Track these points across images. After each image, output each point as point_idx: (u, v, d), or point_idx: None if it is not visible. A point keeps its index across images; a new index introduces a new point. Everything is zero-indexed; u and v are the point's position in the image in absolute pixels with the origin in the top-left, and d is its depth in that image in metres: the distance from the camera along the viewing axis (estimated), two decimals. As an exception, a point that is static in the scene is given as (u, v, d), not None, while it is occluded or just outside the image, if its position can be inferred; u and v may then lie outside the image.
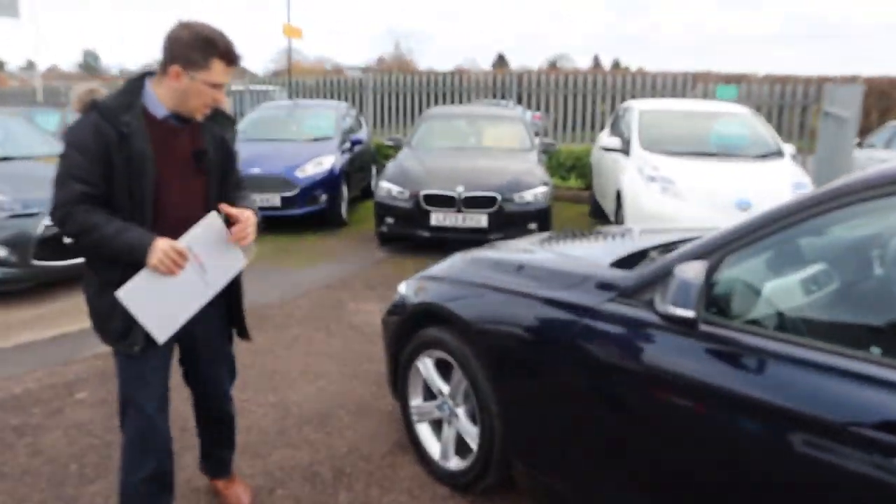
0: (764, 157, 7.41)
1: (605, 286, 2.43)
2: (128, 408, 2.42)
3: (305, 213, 8.37)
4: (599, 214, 9.27)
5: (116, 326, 2.28)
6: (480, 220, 7.27)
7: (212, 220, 2.25)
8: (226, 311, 2.60)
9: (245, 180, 2.60)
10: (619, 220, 7.41)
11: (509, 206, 7.29)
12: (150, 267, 2.14)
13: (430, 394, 3.29)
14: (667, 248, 2.80)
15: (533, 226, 7.40)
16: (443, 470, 3.12)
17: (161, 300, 2.19)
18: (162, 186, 2.23)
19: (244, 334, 2.68)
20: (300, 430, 3.56)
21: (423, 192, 7.32)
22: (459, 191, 7.25)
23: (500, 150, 8.60)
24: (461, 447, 3.09)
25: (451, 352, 2.97)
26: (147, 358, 2.35)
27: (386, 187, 7.58)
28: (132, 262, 2.15)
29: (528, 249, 3.30)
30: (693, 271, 1.96)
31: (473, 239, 7.31)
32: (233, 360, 2.74)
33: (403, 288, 3.43)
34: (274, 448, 3.37)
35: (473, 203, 7.24)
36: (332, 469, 3.20)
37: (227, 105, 2.48)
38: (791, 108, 11.77)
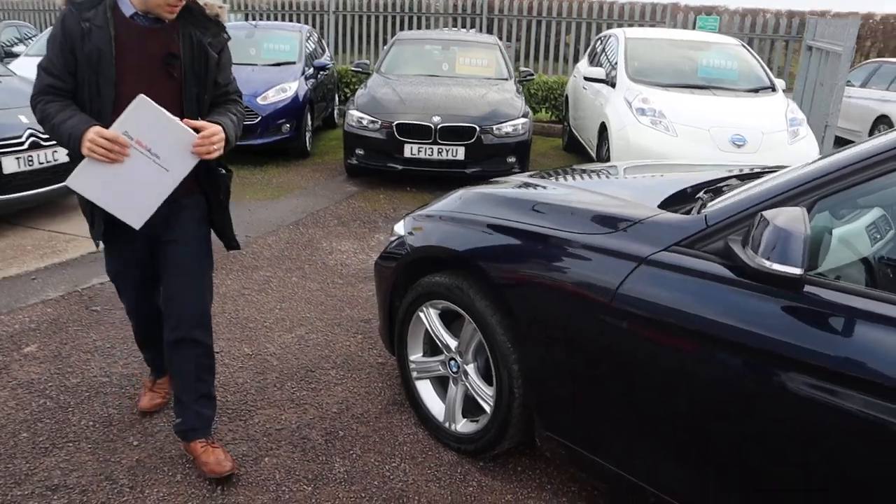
0: (756, 91, 7.09)
1: (659, 231, 2.07)
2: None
3: (267, 144, 7.79)
4: (575, 148, 8.91)
5: (88, 219, 2.37)
6: (457, 152, 6.83)
7: (139, 104, 2.11)
8: (205, 215, 2.48)
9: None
10: (601, 154, 7.06)
11: (488, 137, 6.86)
12: (85, 154, 2.11)
13: (432, 348, 2.95)
14: (713, 187, 2.46)
15: (512, 159, 7.03)
16: (448, 433, 2.80)
17: (119, 188, 2.17)
18: (125, 86, 2.18)
19: (231, 244, 2.59)
20: (282, 387, 3.19)
21: (396, 122, 6.82)
22: (436, 121, 6.77)
23: (476, 79, 8.07)
24: (470, 408, 2.77)
25: (462, 304, 2.60)
26: (121, 251, 2.47)
27: (356, 116, 7.04)
28: (76, 152, 2.15)
29: (541, 186, 2.92)
30: (793, 219, 1.61)
31: (449, 173, 6.92)
32: (211, 277, 2.55)
33: (400, 228, 3.03)
34: (255, 408, 3.00)
35: (450, 134, 6.79)
36: (323, 433, 2.85)
37: (224, 13, 2.39)
38: (768, 41, 11.44)
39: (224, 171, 2.45)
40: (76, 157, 2.17)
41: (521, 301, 2.37)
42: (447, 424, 2.81)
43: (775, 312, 1.69)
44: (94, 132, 2.09)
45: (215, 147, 2.19)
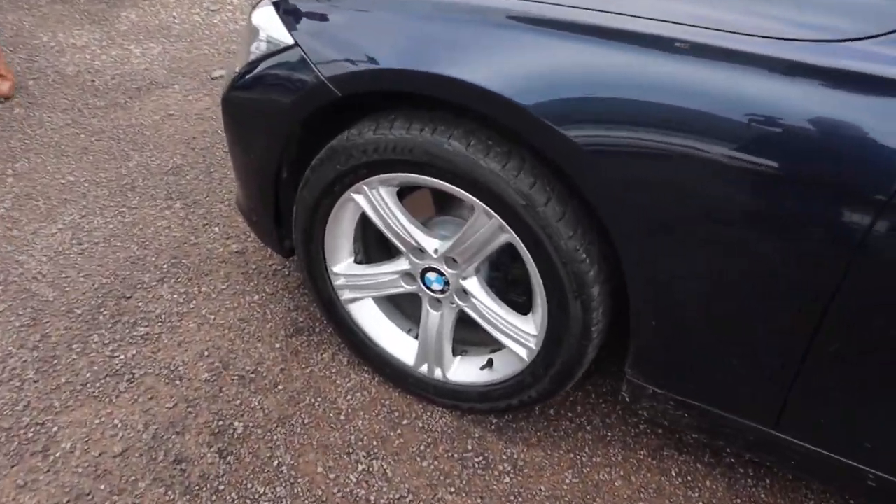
0: None
1: None
2: None
3: None
4: None
5: None
6: None
7: None
8: None
9: None
10: None
11: None
12: None
13: (378, 250, 1.66)
14: None
15: None
16: (431, 384, 1.64)
17: None
18: None
19: None
20: (71, 344, 1.72)
21: None
22: None
23: None
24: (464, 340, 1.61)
25: (470, 182, 1.29)
26: None
27: None
28: None
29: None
30: None
31: None
32: None
33: (272, 22, 1.48)
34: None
35: None
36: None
37: None
38: None
39: None
40: None
41: (641, 186, 1.13)
42: (426, 370, 1.63)
43: None
44: None
45: None
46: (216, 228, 2.13)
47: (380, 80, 1.30)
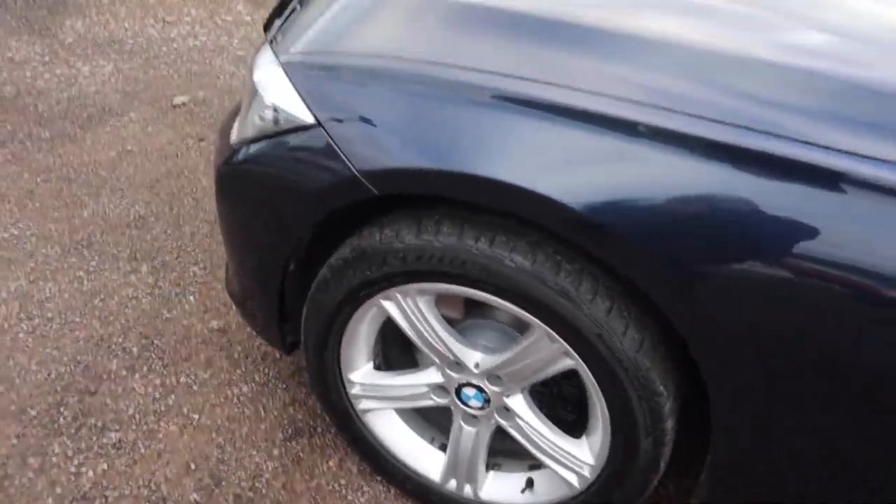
0: None
1: None
2: None
3: None
4: None
5: None
6: None
7: None
8: None
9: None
10: None
11: None
12: None
13: (402, 358, 1.44)
14: None
15: None
16: (457, 502, 1.43)
17: None
18: None
19: None
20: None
21: None
22: None
23: None
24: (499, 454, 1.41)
25: (531, 297, 1.08)
26: None
27: None
28: None
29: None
30: None
31: None
32: None
33: (284, 91, 1.23)
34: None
35: None
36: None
37: None
38: None
39: None
40: None
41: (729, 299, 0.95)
42: (454, 487, 1.42)
43: None
44: None
45: None
46: (191, 298, 1.86)
47: (435, 184, 1.08)
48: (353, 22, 1.28)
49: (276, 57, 1.27)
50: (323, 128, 1.15)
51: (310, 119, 1.17)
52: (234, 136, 1.36)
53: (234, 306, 1.79)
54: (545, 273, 1.07)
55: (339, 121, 1.15)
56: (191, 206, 2.20)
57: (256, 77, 1.31)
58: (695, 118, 0.93)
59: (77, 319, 1.77)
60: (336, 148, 1.13)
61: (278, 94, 1.24)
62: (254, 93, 1.29)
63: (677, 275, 0.96)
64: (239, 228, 1.37)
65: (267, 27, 1.58)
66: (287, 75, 1.23)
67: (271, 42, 1.36)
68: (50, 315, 1.77)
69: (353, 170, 1.12)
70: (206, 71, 3.00)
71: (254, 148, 1.27)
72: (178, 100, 2.75)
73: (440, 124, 1.07)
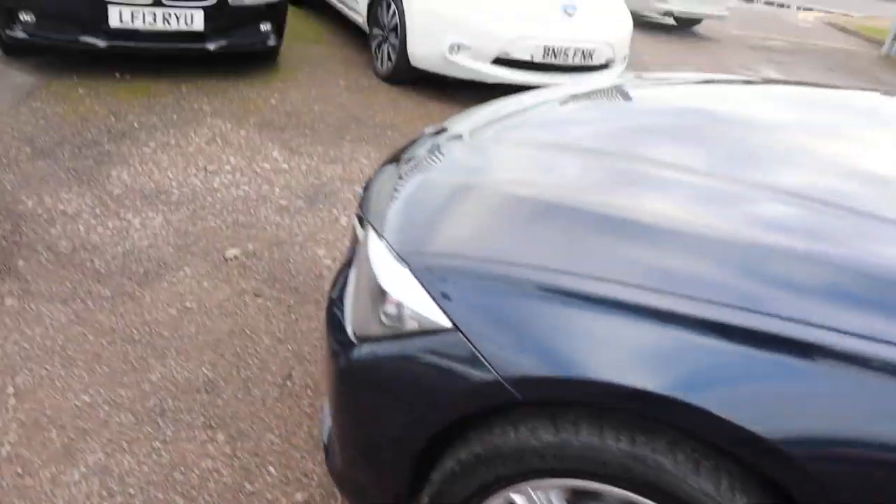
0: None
1: None
2: None
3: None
4: (317, 7, 6.88)
5: None
6: (193, 18, 4.59)
7: None
8: None
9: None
10: (380, 21, 5.34)
11: (234, -4, 4.72)
12: None
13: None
14: None
15: (266, 27, 5.02)
16: None
17: None
18: None
19: None
20: None
21: (90, -30, 4.28)
22: (156, -31, 4.40)
23: None
24: None
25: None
26: None
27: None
28: None
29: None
30: None
31: (180, 49, 4.69)
32: None
33: (414, 294, 1.29)
34: None
35: (181, -9, 4.50)
36: None
37: None
38: None
39: None
40: None
41: None
42: None
43: None
44: None
45: None
46: (272, 469, 1.85)
47: (585, 392, 1.13)
48: (476, 222, 1.38)
49: (393, 251, 1.35)
50: (461, 332, 1.21)
51: (445, 323, 1.24)
52: (352, 325, 1.42)
53: (315, 478, 1.79)
54: (686, 471, 1.11)
55: (480, 326, 1.21)
56: (257, 368, 2.22)
57: (376, 267, 1.37)
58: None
59: (160, 496, 1.75)
60: (477, 353, 1.19)
61: (406, 295, 1.30)
62: (379, 291, 1.35)
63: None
64: (360, 422, 1.40)
65: (363, 206, 1.68)
66: (416, 277, 1.30)
67: (377, 230, 1.44)
68: (132, 492, 1.75)
69: (497, 375, 1.17)
70: (252, 222, 3.10)
71: (382, 349, 1.32)
72: (230, 253, 2.83)
73: (589, 333, 1.13)
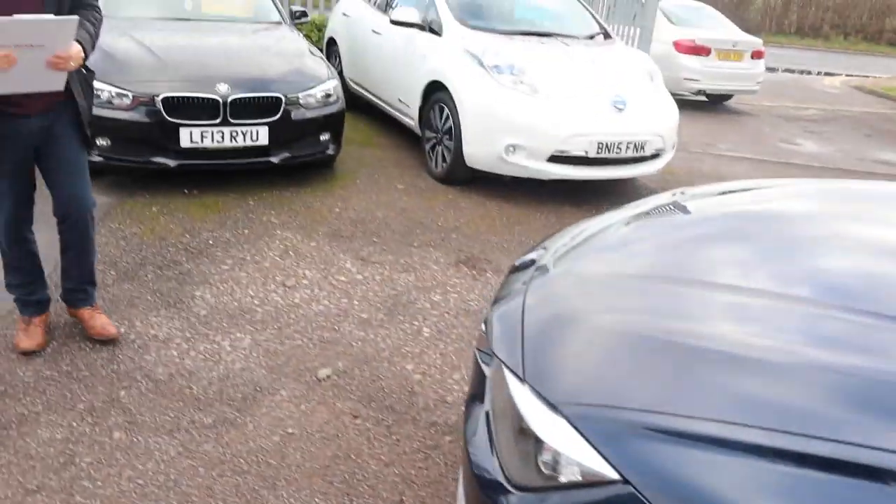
0: (592, 37, 6.12)
1: None
2: None
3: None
4: (361, 109, 7.17)
5: None
6: (258, 134, 4.80)
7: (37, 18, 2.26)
8: (76, 117, 2.72)
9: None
10: (433, 125, 5.53)
11: (296, 110, 4.93)
12: None
13: None
14: None
15: (326, 136, 5.21)
16: None
17: (21, 77, 2.32)
18: None
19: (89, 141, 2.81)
20: None
21: (162, 96, 4.52)
22: (223, 91, 4.63)
23: (240, 23, 5.92)
24: None
25: None
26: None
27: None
28: None
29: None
30: None
31: (246, 164, 4.88)
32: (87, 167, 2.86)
33: (569, 441, 1.31)
34: None
35: (246, 109, 4.72)
36: None
37: None
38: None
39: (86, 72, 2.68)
40: None
41: None
42: None
43: None
44: None
45: (73, 64, 2.44)
46: None
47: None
48: (619, 366, 1.40)
49: (541, 398, 1.37)
50: (631, 485, 1.22)
51: (612, 475, 1.24)
52: (502, 471, 1.42)
53: None
54: None
55: (651, 480, 1.21)
56: (368, 495, 2.22)
57: (529, 420, 1.39)
58: None
59: None
60: (647, 505, 1.19)
61: (565, 444, 1.31)
62: (534, 439, 1.36)
63: None
64: None
65: (491, 344, 1.70)
66: (574, 426, 1.31)
67: (518, 375, 1.47)
68: None
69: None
70: (337, 338, 3.15)
71: (546, 499, 1.32)
72: (322, 373, 2.87)
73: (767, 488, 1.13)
